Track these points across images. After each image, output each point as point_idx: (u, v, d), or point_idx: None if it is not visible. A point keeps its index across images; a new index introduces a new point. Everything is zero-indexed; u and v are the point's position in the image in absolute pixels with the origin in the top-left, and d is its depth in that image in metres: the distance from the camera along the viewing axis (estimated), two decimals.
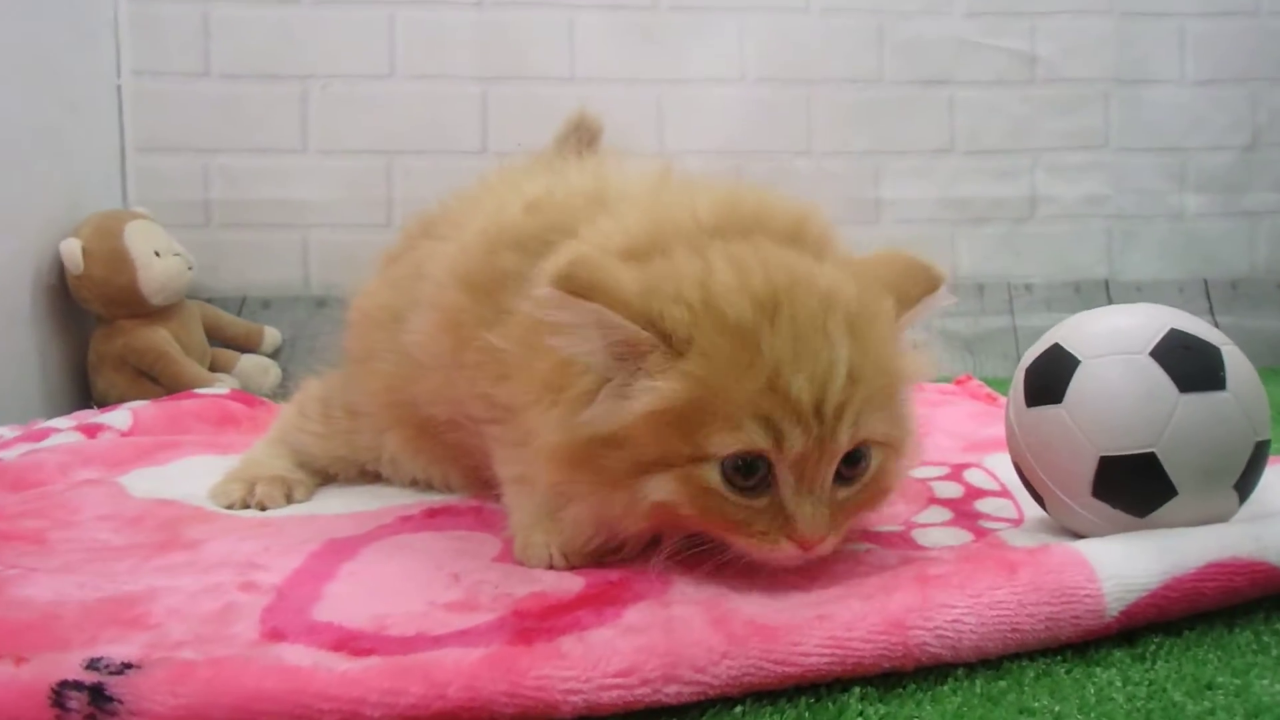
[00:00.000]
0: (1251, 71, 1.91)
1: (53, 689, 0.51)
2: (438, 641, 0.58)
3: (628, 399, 0.63)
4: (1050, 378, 0.75)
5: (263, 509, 0.90)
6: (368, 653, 0.57)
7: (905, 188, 1.85)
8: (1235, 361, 0.72)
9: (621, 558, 0.72)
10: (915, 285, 0.71)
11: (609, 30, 1.76)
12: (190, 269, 1.61)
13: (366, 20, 1.72)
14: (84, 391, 1.58)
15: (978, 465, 0.99)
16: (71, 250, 1.49)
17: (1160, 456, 0.70)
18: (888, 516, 0.84)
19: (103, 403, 1.49)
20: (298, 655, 0.56)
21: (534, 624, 0.60)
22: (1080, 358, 0.74)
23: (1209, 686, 0.58)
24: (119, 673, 0.52)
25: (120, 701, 0.51)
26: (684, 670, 0.55)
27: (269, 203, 1.74)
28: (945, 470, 0.98)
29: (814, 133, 1.82)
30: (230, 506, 0.90)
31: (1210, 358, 0.72)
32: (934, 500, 0.89)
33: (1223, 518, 0.72)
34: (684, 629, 0.58)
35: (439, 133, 1.73)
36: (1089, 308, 0.83)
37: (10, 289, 1.43)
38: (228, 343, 1.73)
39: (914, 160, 1.85)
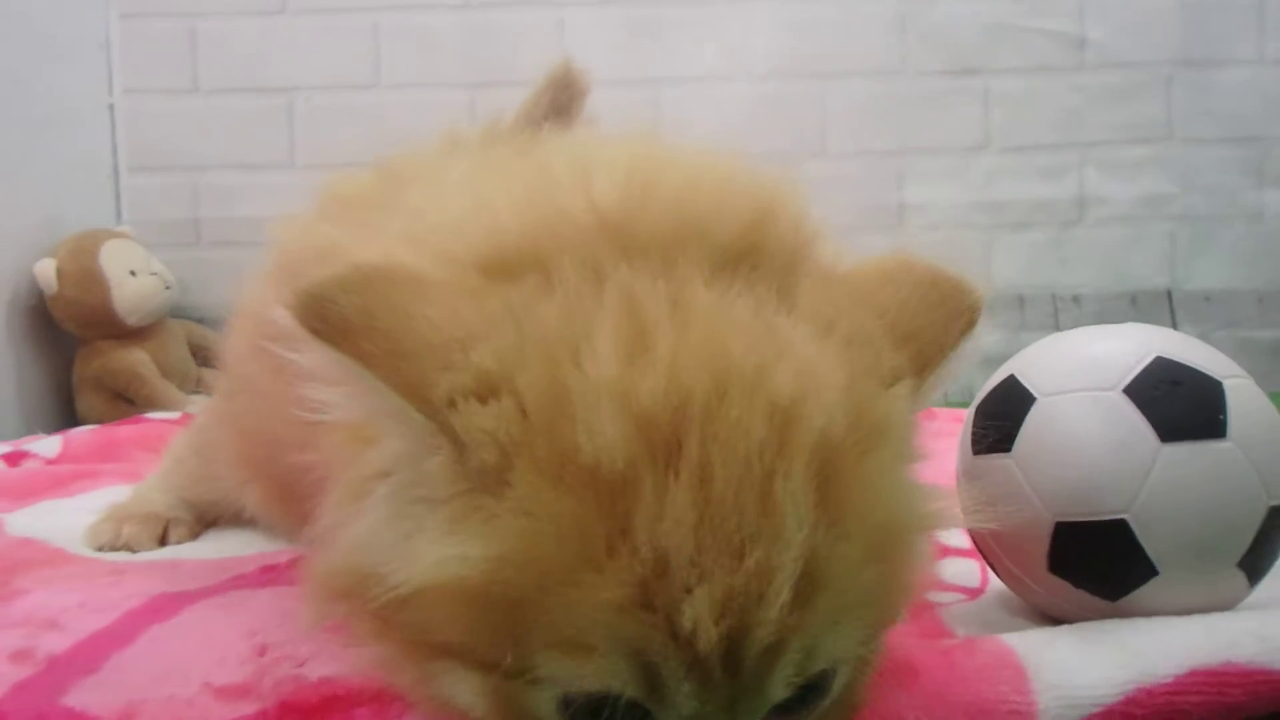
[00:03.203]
0: None
1: None
2: None
3: (410, 532, 0.39)
4: (1000, 419, 0.59)
5: (131, 550, 0.82)
6: None
7: (933, 191, 1.69)
8: (1244, 401, 0.56)
9: None
10: (946, 325, 0.43)
11: (601, 27, 1.65)
12: (168, 288, 1.58)
13: (349, 28, 1.67)
14: (69, 412, 1.56)
15: None
16: (45, 271, 1.48)
17: (1134, 525, 0.54)
18: None
19: (85, 423, 1.47)
20: None
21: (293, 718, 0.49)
22: (1036, 394, 0.58)
23: None
24: None
25: None
26: None
27: (257, 220, 1.68)
28: None
29: (829, 132, 1.67)
30: (100, 548, 0.82)
31: (1207, 395, 0.55)
32: None
33: (1227, 605, 0.56)
34: None
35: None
36: (1147, 323, 0.61)
37: None
38: (216, 363, 1.69)
39: (943, 160, 1.68)
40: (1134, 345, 0.58)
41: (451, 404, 0.37)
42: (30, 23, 1.50)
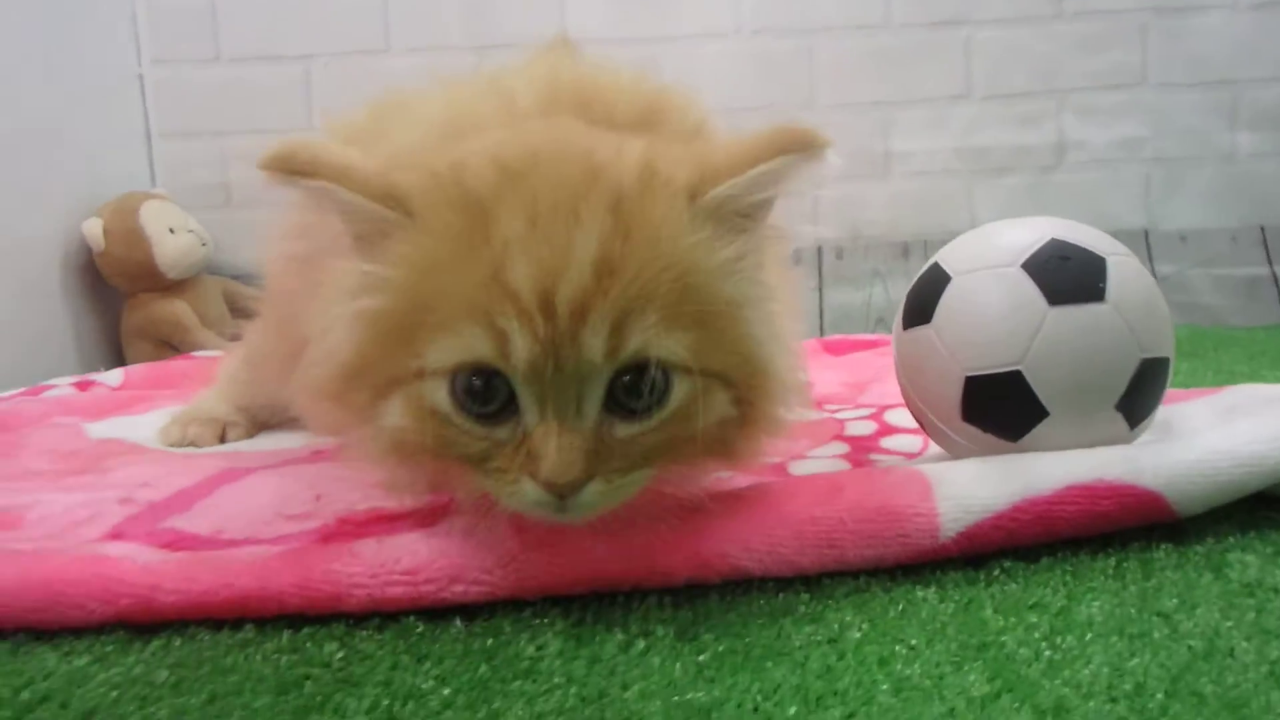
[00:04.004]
0: None
1: None
2: (258, 543, 0.61)
3: (352, 305, 0.53)
4: (924, 297, 0.71)
5: (196, 446, 0.95)
6: (183, 550, 0.60)
7: (918, 139, 1.77)
8: (1124, 272, 0.67)
9: None
10: (758, 146, 0.53)
11: None
12: (204, 245, 1.69)
13: None
14: (119, 360, 1.67)
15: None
16: (93, 229, 1.59)
17: (1026, 374, 0.65)
18: (779, 452, 0.82)
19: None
20: (120, 551, 0.60)
21: (350, 529, 0.62)
22: (952, 274, 0.70)
23: (1032, 606, 0.54)
24: None
25: None
26: (471, 571, 0.55)
27: None
28: (870, 411, 0.94)
29: (817, 85, 1.76)
30: (172, 444, 0.96)
31: (1090, 267, 0.66)
32: (839, 437, 0.86)
33: (1113, 443, 0.67)
34: (485, 535, 0.58)
35: None
36: None
37: (42, 267, 1.54)
38: (249, 315, 1.81)
39: (927, 109, 1.77)
40: (1034, 231, 0.69)
41: (392, 184, 0.52)
42: (62, 1, 1.60)
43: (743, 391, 0.55)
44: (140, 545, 0.61)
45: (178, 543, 0.62)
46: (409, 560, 0.56)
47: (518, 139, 0.55)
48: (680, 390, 0.52)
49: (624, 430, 0.52)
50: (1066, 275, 0.66)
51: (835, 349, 1.32)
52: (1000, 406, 0.67)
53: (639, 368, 0.51)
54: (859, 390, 1.06)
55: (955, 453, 0.72)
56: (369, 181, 0.52)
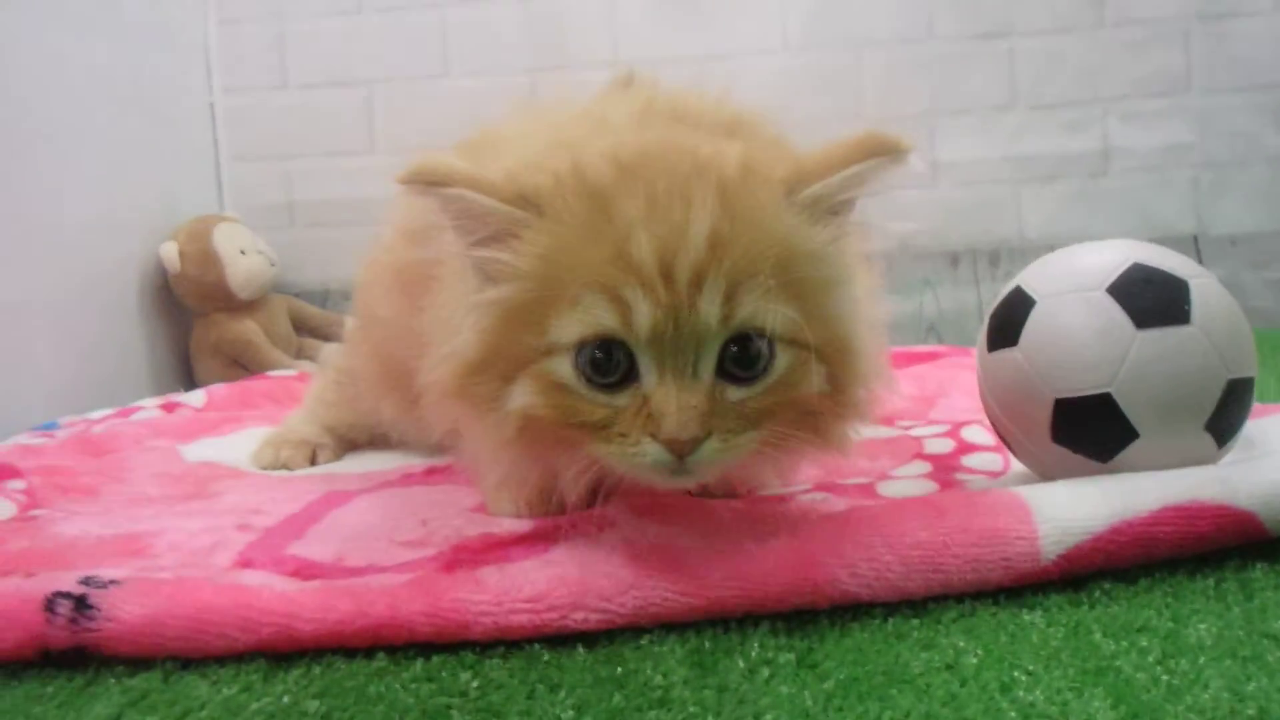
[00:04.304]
0: None
1: (47, 597, 0.58)
2: (380, 570, 0.63)
3: (484, 306, 0.59)
4: (1008, 320, 0.73)
5: (289, 469, 0.99)
6: (315, 578, 0.62)
7: (964, 148, 1.78)
8: (1206, 295, 0.69)
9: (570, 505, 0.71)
10: (845, 149, 0.59)
11: (648, 9, 1.77)
12: (273, 265, 1.74)
13: (420, 24, 1.80)
14: (188, 376, 1.73)
15: (979, 422, 0.96)
16: (169, 252, 1.64)
17: (1116, 397, 0.67)
18: (863, 471, 0.84)
19: (202, 386, 1.63)
20: (255, 579, 0.63)
21: (468, 557, 0.64)
22: (1036, 298, 0.71)
23: (1140, 629, 0.56)
24: (103, 587, 0.59)
25: (98, 609, 0.58)
26: (591, 599, 0.58)
27: (343, 201, 1.84)
28: (945, 428, 0.96)
29: (864, 97, 1.78)
30: (265, 467, 1.00)
31: (1174, 291, 0.68)
32: (920, 455, 0.88)
33: (1202, 463, 0.69)
34: (599, 561, 0.60)
35: None
36: None
37: (119, 287, 1.59)
38: (313, 332, 1.86)
39: (972, 118, 1.78)
40: (1116, 254, 0.71)
41: (520, 187, 0.58)
42: (140, 32, 1.65)
43: (834, 368, 0.60)
44: (271, 574, 0.64)
45: (304, 570, 0.64)
46: (530, 589, 0.58)
47: (628, 141, 0.61)
48: (783, 359, 0.59)
49: (735, 394, 0.58)
50: (1151, 299, 0.68)
51: (896, 361, 1.33)
52: (1091, 428, 0.68)
53: (747, 337, 0.57)
54: (928, 405, 1.08)
55: (1043, 473, 0.74)
56: (500, 186, 0.58)
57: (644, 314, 0.55)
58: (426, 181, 0.58)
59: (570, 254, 0.56)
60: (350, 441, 1.06)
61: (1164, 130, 1.78)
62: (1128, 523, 0.62)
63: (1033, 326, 0.70)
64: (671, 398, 0.55)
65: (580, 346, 0.57)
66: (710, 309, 0.55)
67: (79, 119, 1.48)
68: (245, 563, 0.66)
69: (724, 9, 1.77)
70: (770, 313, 0.56)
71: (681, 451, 0.56)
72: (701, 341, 0.56)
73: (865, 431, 0.88)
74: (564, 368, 0.57)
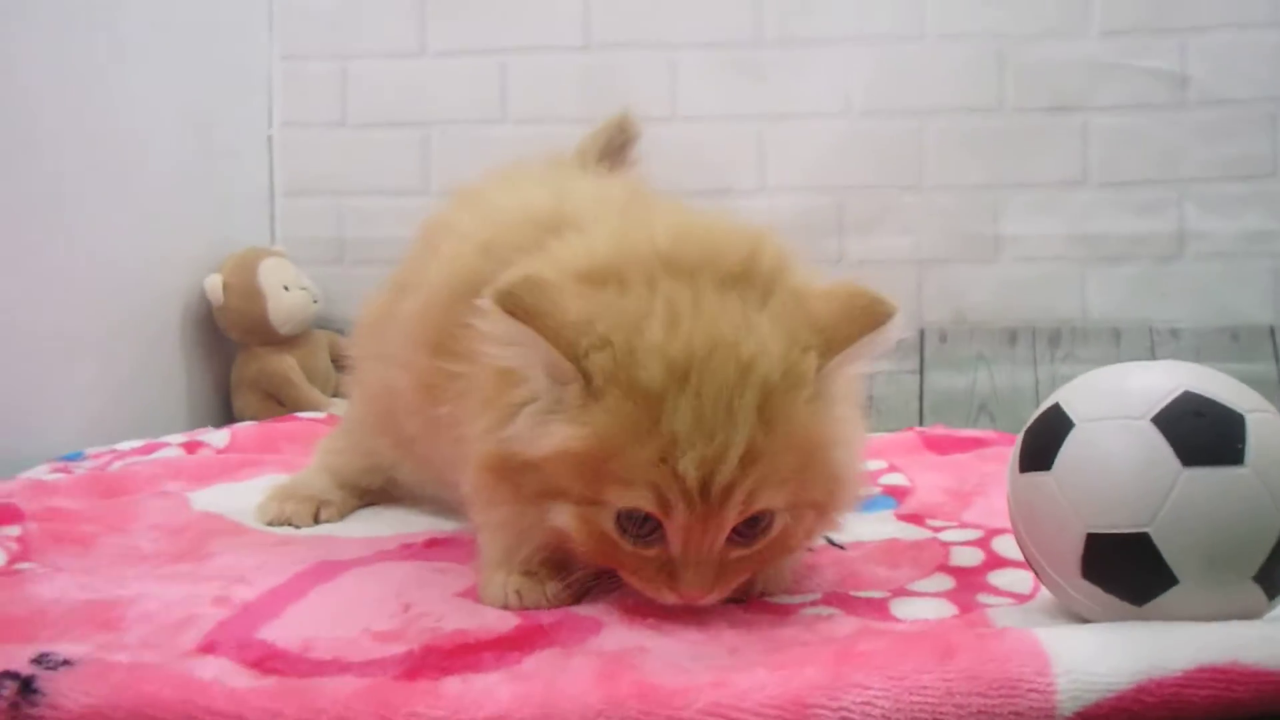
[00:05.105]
0: None
1: None
2: (344, 668, 0.61)
3: (544, 428, 0.66)
4: (1043, 441, 0.67)
5: (293, 525, 0.98)
6: (272, 672, 0.60)
7: (1028, 223, 1.72)
8: (1264, 432, 0.62)
9: (576, 580, 0.74)
10: (853, 323, 0.68)
11: (710, 68, 1.75)
12: (315, 302, 1.75)
13: (480, 67, 1.80)
14: (227, 409, 1.74)
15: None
16: (214, 284, 1.66)
17: (1155, 538, 0.61)
18: (880, 581, 0.79)
19: (240, 419, 1.66)
20: (210, 669, 0.60)
21: (435, 661, 0.61)
22: (1075, 420, 0.66)
23: None
24: (54, 669, 0.57)
25: (43, 694, 0.55)
26: None
27: (394, 240, 1.84)
28: (977, 535, 0.90)
29: (924, 166, 1.73)
30: (270, 523, 0.98)
31: (1227, 426, 0.62)
32: (944, 568, 0.82)
33: (1248, 617, 0.62)
34: (569, 681, 0.57)
35: None
36: (1248, 358, 0.73)
37: (165, 318, 1.62)
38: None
39: (1039, 194, 1.72)
40: (1166, 379, 0.65)
41: (586, 355, 0.64)
42: (202, 65, 1.69)
43: (824, 507, 0.71)
44: (231, 663, 0.61)
45: (267, 660, 0.62)
46: (491, 707, 0.54)
47: (679, 332, 0.65)
48: (780, 521, 0.69)
49: (736, 554, 0.68)
50: (1202, 433, 0.62)
51: (937, 446, 1.28)
52: (1125, 568, 0.63)
53: (756, 517, 0.67)
54: (963, 503, 1.02)
55: (1071, 607, 0.68)
56: (567, 340, 0.64)
57: (680, 513, 0.64)
58: (510, 311, 0.64)
59: (622, 444, 0.64)
60: (363, 491, 1.04)
61: (1244, 216, 1.70)
62: (1156, 682, 0.56)
63: (1069, 451, 0.65)
64: (690, 569, 0.66)
65: (623, 510, 0.65)
66: (732, 512, 0.65)
67: (134, 151, 1.51)
68: (208, 647, 0.64)
69: (786, 70, 1.74)
70: (777, 497, 0.66)
71: (691, 604, 0.68)
72: (718, 530, 0.65)
73: (891, 531, 0.87)
74: (608, 520, 0.66)
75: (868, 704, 0.55)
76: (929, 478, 1.12)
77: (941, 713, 0.55)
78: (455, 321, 0.74)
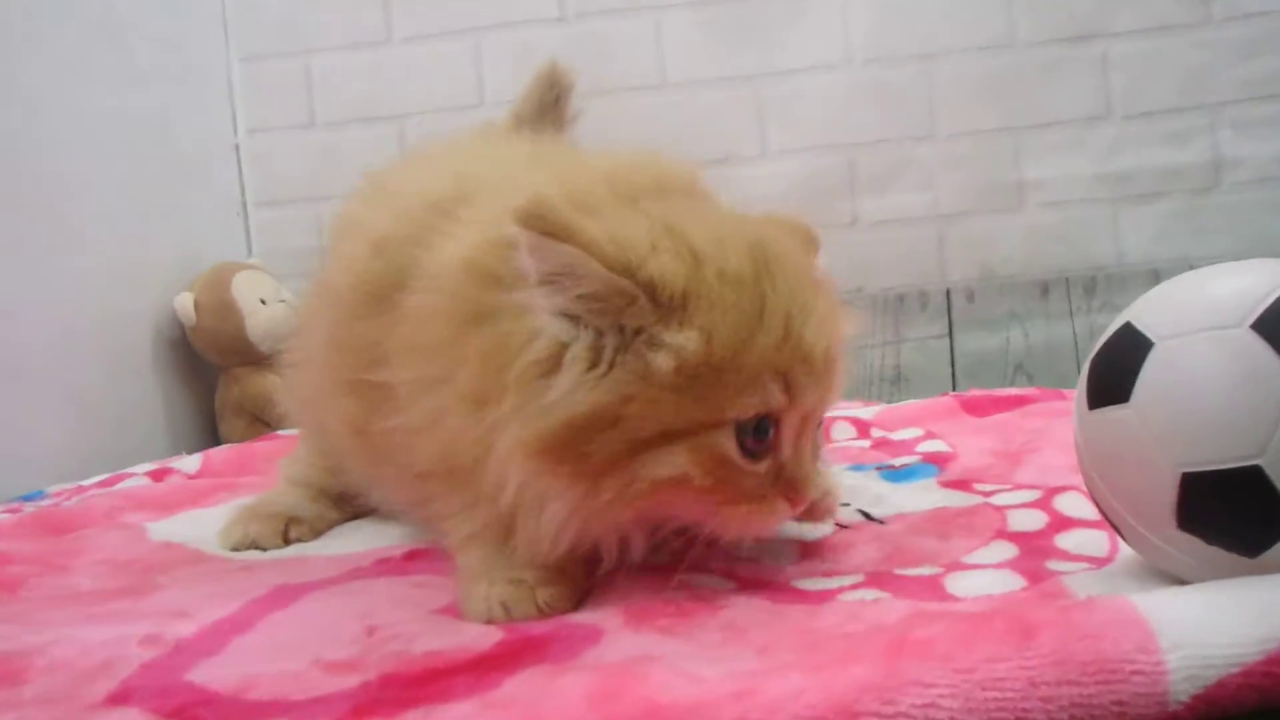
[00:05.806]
0: None
1: None
2: (285, 709, 0.50)
3: (616, 367, 0.57)
4: (1116, 369, 0.56)
5: (260, 548, 0.87)
6: None
7: (1052, 166, 1.60)
8: None
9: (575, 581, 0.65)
10: (807, 244, 0.69)
11: (698, 28, 1.64)
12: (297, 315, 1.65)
13: (452, 51, 1.71)
14: (214, 436, 1.64)
15: (1078, 487, 0.78)
16: (184, 304, 1.56)
17: (1268, 470, 0.50)
18: (930, 555, 0.68)
19: (229, 445, 1.55)
20: None
21: (394, 694, 0.50)
22: (1154, 338, 0.55)
23: None
24: None
25: None
26: None
27: None
28: (1035, 495, 0.78)
29: (937, 113, 1.61)
30: (234, 548, 0.88)
31: None
32: (1003, 534, 0.71)
33: None
34: (556, 706, 0.46)
35: None
36: None
37: (134, 341, 1.52)
38: None
39: (1061, 132, 1.59)
40: (1260, 279, 0.54)
41: (641, 264, 0.57)
42: (159, 74, 1.60)
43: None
44: (141, 714, 0.51)
45: (190, 707, 0.51)
46: None
47: (710, 225, 0.63)
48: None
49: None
50: None
51: (976, 408, 1.16)
52: (1232, 512, 0.51)
53: None
54: (1014, 463, 0.90)
55: (1164, 566, 0.57)
56: (614, 256, 0.57)
57: (810, 395, 0.61)
58: (546, 233, 0.56)
59: (736, 340, 0.58)
60: (339, 497, 0.92)
61: None
62: None
63: (1149, 377, 0.54)
64: (806, 464, 0.62)
65: (745, 421, 0.59)
66: (839, 380, 0.64)
67: (95, 167, 1.42)
68: (120, 696, 0.53)
69: (780, 23, 1.63)
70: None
71: (800, 505, 0.63)
72: (824, 410, 0.64)
73: (936, 500, 0.76)
74: (728, 441, 0.59)
75: (931, 705, 0.44)
76: (972, 441, 1.01)
77: (1025, 709, 0.44)
78: (367, 334, 0.68)
